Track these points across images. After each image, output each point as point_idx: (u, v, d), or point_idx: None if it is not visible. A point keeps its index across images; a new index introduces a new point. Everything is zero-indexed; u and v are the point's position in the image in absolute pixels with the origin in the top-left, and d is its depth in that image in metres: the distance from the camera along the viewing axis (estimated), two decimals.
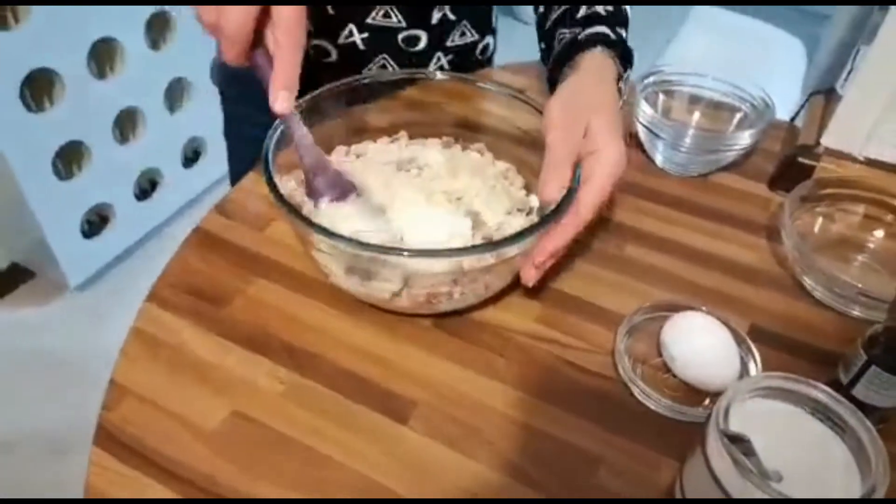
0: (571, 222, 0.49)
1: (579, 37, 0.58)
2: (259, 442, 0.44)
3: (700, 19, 1.93)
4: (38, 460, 1.36)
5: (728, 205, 0.65)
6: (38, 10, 1.29)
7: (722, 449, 0.35)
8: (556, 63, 0.60)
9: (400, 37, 0.72)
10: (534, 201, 0.58)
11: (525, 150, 0.59)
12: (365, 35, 0.72)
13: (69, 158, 1.54)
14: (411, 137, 0.63)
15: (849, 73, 0.66)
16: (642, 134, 0.68)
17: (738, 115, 0.70)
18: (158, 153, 1.72)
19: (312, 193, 0.51)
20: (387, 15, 0.70)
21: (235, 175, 0.88)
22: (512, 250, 0.47)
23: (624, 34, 0.59)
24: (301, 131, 0.49)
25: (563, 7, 0.62)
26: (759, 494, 0.34)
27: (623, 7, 0.62)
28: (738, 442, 0.35)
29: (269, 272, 0.55)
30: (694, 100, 0.72)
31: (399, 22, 0.71)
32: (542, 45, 0.66)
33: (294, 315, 0.52)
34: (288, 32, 0.43)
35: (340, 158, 0.59)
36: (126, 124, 1.64)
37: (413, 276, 0.47)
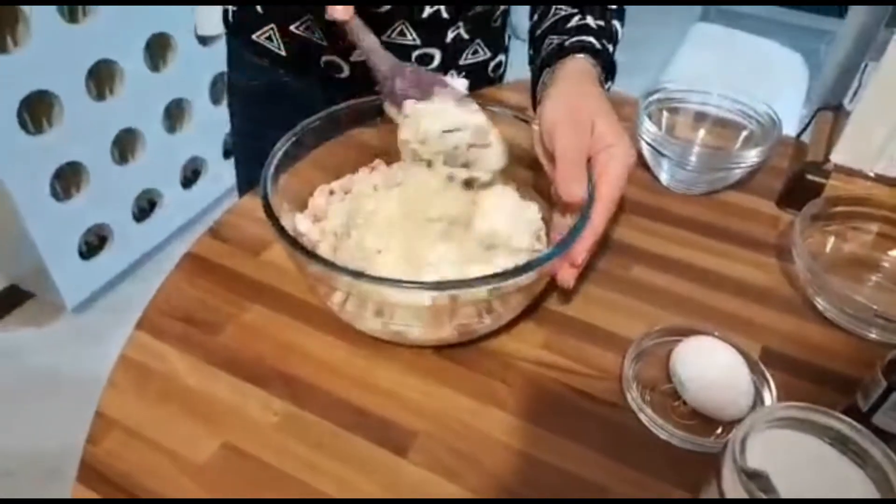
0: (600, 217, 0.49)
1: (566, 43, 0.59)
2: (251, 476, 0.42)
3: (699, 37, 1.93)
4: (34, 483, 1.34)
5: (736, 223, 0.64)
6: (37, 33, 1.29)
7: (739, 485, 0.33)
8: (540, 66, 0.61)
9: (414, 55, 0.72)
10: (533, 208, 0.57)
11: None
12: None
13: (67, 180, 1.53)
14: (388, 163, 0.60)
15: (857, 89, 0.65)
16: (646, 152, 0.67)
17: (744, 133, 0.69)
18: (157, 174, 1.72)
19: (395, 99, 0.52)
20: (402, 33, 0.70)
21: (244, 191, 0.87)
22: (550, 264, 0.46)
23: (611, 49, 0.60)
24: (368, 39, 0.50)
25: (556, 17, 0.63)
26: None
27: (614, 24, 0.63)
28: (756, 478, 0.33)
29: (264, 298, 0.54)
30: (699, 117, 0.71)
31: (414, 40, 0.71)
32: (531, 51, 0.67)
33: (289, 343, 0.51)
34: None
35: (325, 197, 0.57)
36: (125, 145, 1.63)
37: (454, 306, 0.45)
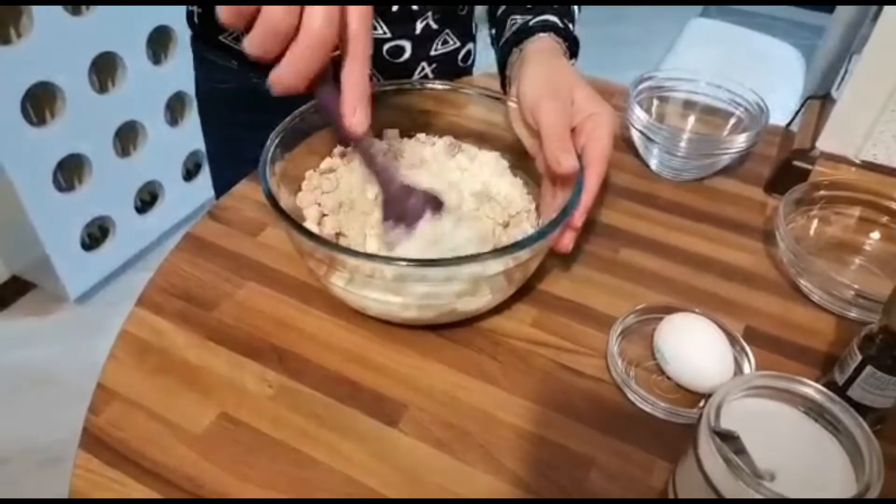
0: (594, 180, 0.50)
1: (530, 23, 0.61)
2: (246, 445, 0.44)
3: (697, 31, 1.93)
4: (33, 471, 1.36)
5: (724, 209, 0.65)
6: (40, 25, 1.30)
7: (713, 448, 0.34)
8: (506, 46, 0.62)
9: (385, 48, 0.72)
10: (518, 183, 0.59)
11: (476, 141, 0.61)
12: None
13: (70, 171, 1.55)
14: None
15: (843, 78, 0.66)
16: (637, 139, 0.68)
17: (733, 120, 0.70)
18: (159, 166, 1.73)
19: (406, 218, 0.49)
20: (372, 27, 0.70)
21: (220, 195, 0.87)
22: (555, 232, 0.47)
23: (571, 27, 0.62)
24: (378, 155, 0.49)
25: None
26: (751, 494, 0.33)
27: (571, 7, 0.64)
28: (728, 440, 0.34)
29: (260, 276, 0.55)
30: (688, 105, 0.72)
31: (384, 33, 0.71)
32: (493, 31, 0.68)
33: (284, 318, 0.52)
34: (357, 39, 0.41)
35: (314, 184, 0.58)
36: (127, 137, 1.65)
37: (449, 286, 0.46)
